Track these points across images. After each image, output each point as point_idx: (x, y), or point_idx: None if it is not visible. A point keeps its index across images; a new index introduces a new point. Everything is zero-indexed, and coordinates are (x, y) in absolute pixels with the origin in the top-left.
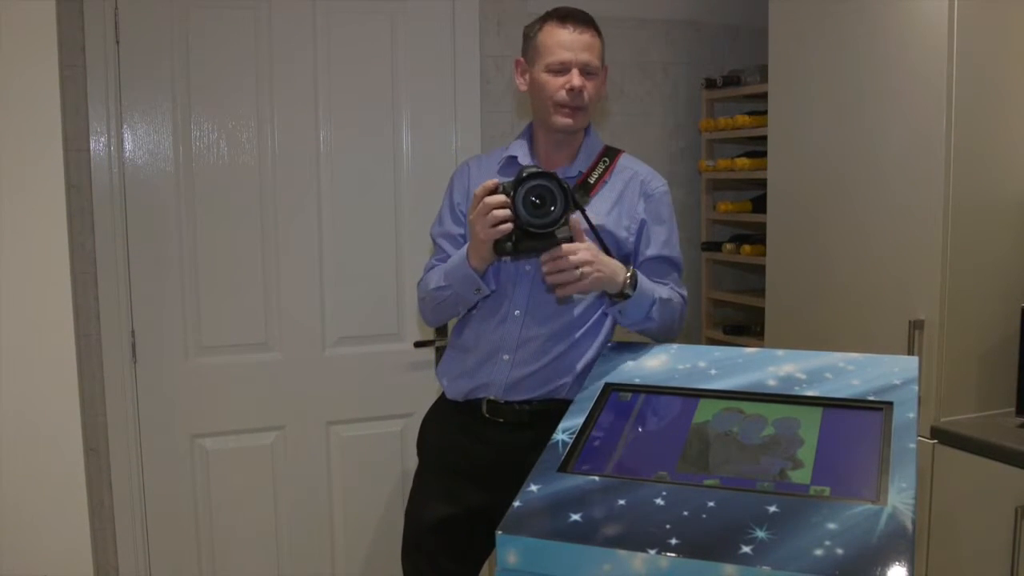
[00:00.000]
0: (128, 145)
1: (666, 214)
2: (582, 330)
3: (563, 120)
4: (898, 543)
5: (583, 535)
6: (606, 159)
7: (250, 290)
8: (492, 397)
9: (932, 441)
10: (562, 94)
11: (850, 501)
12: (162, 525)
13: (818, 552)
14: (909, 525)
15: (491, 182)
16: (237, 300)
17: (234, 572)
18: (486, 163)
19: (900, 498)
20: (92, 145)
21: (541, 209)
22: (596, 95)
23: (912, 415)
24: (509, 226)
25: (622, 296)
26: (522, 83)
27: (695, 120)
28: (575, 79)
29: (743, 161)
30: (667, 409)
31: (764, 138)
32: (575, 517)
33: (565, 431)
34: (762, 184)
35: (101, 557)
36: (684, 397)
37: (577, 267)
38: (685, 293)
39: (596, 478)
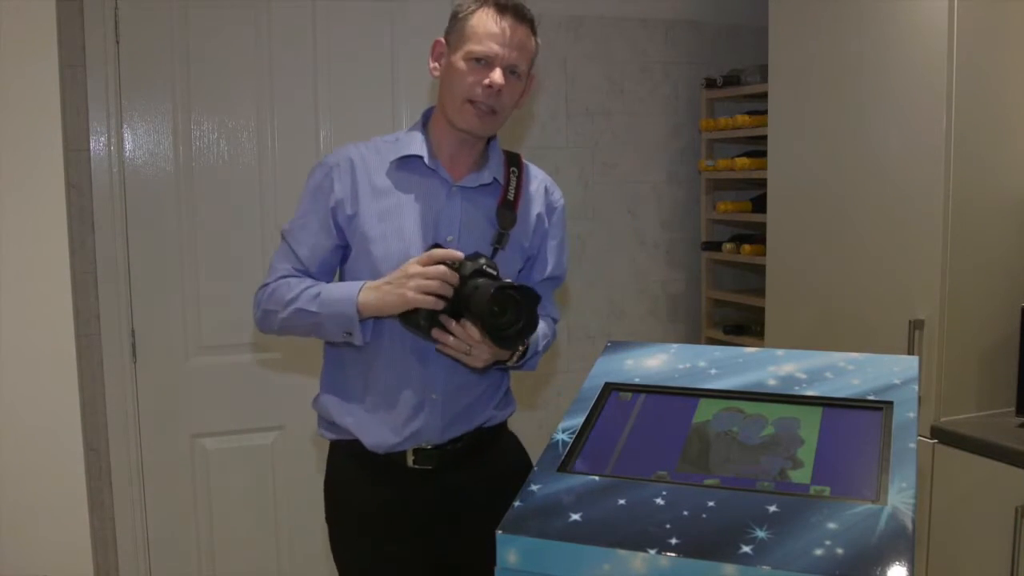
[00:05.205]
0: (128, 145)
1: (562, 226)
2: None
3: (470, 120)
4: (898, 543)
5: (583, 535)
6: (514, 168)
7: (250, 290)
8: (424, 444)
9: (932, 441)
10: (478, 90)
11: (850, 501)
12: (162, 525)
13: (818, 552)
14: (909, 525)
15: (439, 252)
16: (237, 300)
17: (234, 572)
18: (373, 158)
19: (900, 498)
20: (92, 145)
21: (501, 317)
22: (513, 102)
23: (912, 415)
24: (441, 302)
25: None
26: (435, 68)
27: (695, 120)
28: (497, 76)
29: (743, 161)
30: (667, 409)
31: (764, 138)
32: (575, 517)
33: (565, 431)
34: (762, 184)
35: (101, 557)
36: (684, 397)
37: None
38: (557, 315)
39: (596, 478)
